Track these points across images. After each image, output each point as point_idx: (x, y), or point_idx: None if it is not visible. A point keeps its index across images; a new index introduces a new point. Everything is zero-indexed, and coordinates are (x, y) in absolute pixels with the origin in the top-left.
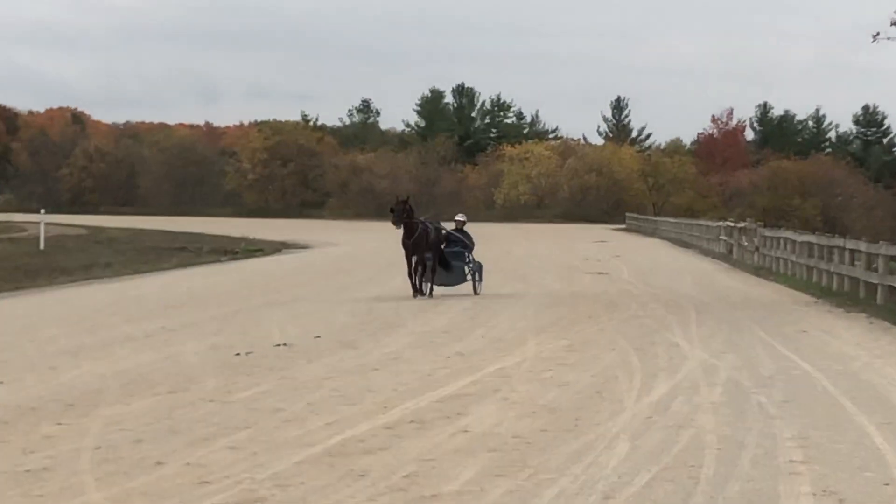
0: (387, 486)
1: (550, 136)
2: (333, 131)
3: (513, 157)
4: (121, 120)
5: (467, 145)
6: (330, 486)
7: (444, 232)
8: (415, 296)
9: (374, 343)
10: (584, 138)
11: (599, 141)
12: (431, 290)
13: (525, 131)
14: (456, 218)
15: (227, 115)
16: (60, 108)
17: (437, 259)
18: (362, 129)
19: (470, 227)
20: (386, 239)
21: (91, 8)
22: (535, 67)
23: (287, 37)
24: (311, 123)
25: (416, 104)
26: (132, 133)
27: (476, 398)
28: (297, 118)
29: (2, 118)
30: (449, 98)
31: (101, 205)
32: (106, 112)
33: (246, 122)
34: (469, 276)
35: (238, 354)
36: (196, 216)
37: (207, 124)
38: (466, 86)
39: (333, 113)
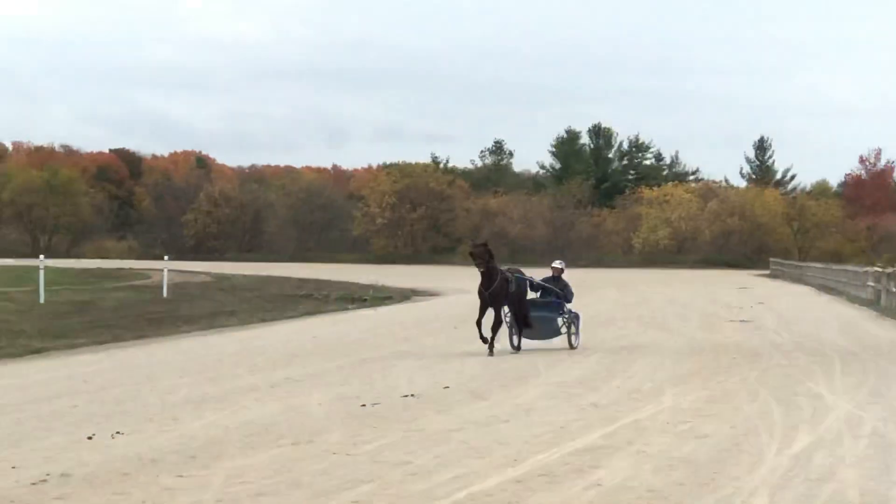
0: None
1: (690, 177)
2: (465, 174)
3: (651, 200)
4: (246, 163)
5: (604, 188)
6: None
7: (532, 281)
8: (486, 345)
9: (506, 394)
10: (726, 180)
11: (742, 183)
12: (520, 343)
13: (664, 173)
14: (553, 265)
15: (355, 157)
16: (185, 152)
17: (521, 313)
18: (495, 172)
19: (606, 274)
20: None
21: (216, 49)
22: (675, 106)
23: (417, 76)
24: (442, 165)
25: (551, 145)
26: (257, 177)
27: (610, 451)
28: (427, 160)
29: (125, 162)
30: (585, 138)
31: (225, 251)
32: (231, 155)
33: (374, 165)
34: (563, 329)
35: (364, 405)
36: (323, 262)
37: (335, 167)
38: (603, 126)
39: (465, 155)
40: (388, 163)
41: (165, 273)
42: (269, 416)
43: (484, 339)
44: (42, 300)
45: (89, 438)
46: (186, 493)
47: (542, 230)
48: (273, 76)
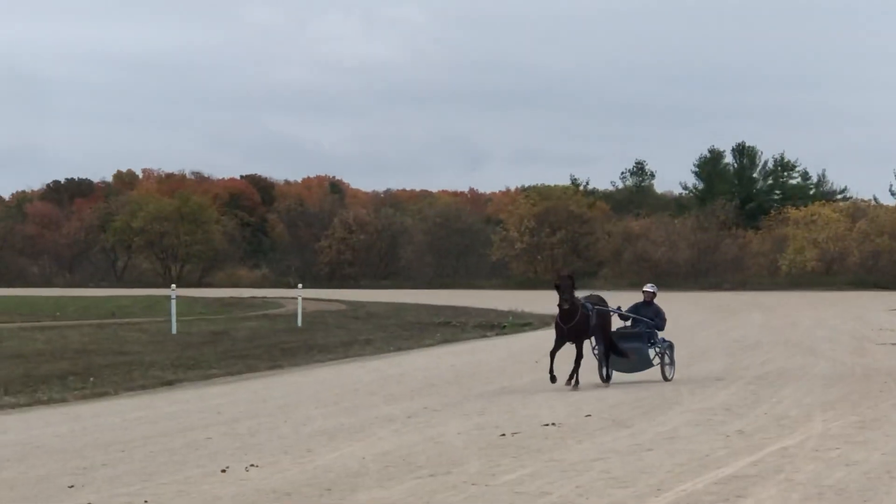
0: None
1: (838, 197)
2: (605, 196)
3: (798, 221)
4: (381, 188)
5: (749, 208)
6: None
7: (617, 311)
8: (552, 380)
9: (649, 421)
10: (875, 199)
11: (892, 201)
12: (609, 375)
13: (811, 192)
14: (644, 289)
15: (493, 180)
16: (318, 177)
17: (608, 343)
18: (636, 193)
19: (751, 297)
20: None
21: (348, 71)
22: (821, 123)
23: (555, 96)
24: (582, 188)
25: (694, 165)
26: (393, 201)
27: (756, 479)
28: (567, 182)
29: (257, 188)
30: (728, 158)
31: (360, 278)
32: (365, 180)
33: (512, 188)
34: (656, 360)
35: (503, 435)
36: (460, 288)
37: (472, 191)
38: (747, 144)
39: (605, 176)
40: (526, 185)
41: (300, 301)
42: (407, 446)
43: (553, 376)
44: (174, 330)
45: (223, 471)
46: None
47: (685, 252)
48: (407, 98)
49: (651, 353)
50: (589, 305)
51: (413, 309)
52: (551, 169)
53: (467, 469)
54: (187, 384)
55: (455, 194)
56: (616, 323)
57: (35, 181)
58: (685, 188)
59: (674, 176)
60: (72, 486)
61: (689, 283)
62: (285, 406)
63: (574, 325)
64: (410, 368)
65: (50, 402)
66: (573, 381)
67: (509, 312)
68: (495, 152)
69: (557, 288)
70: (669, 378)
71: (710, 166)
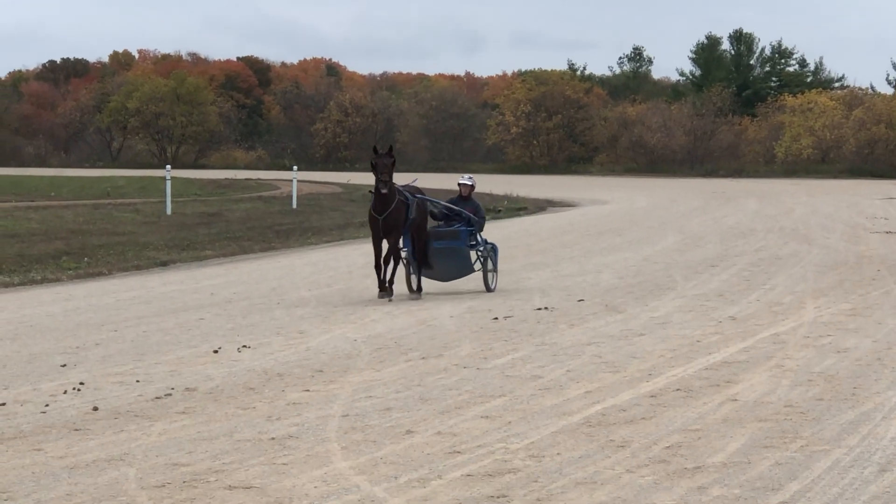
0: (648, 458)
1: (835, 85)
2: (602, 81)
3: (794, 109)
4: (377, 71)
5: (745, 95)
6: (588, 457)
7: (434, 203)
8: (381, 295)
9: (642, 307)
10: (872, 87)
11: (889, 90)
12: (420, 284)
13: (808, 80)
14: (460, 181)
15: (490, 64)
16: (314, 59)
17: (420, 247)
18: (633, 79)
19: (747, 184)
20: (658, 195)
21: None
22: (819, 11)
23: None
24: (579, 73)
25: (691, 52)
26: (389, 84)
27: (747, 365)
28: (564, 68)
29: (253, 70)
30: (726, 45)
31: (356, 161)
32: (361, 63)
33: (509, 73)
34: (478, 266)
35: (496, 318)
36: (456, 172)
37: (468, 75)
38: (745, 31)
39: (602, 62)
40: (523, 70)
41: (295, 183)
42: (399, 329)
43: (383, 286)
44: (169, 212)
45: (215, 352)
46: (313, 408)
47: (681, 139)
48: None
49: (472, 255)
50: (408, 194)
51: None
52: (548, 54)
53: (459, 352)
54: (181, 265)
55: (452, 78)
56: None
57: (31, 60)
58: (682, 75)
59: (671, 63)
60: (64, 365)
61: (685, 169)
62: (278, 288)
63: (389, 214)
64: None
65: (43, 281)
66: (386, 290)
67: (504, 197)
68: (492, 36)
69: (374, 168)
70: (493, 288)
71: (707, 53)
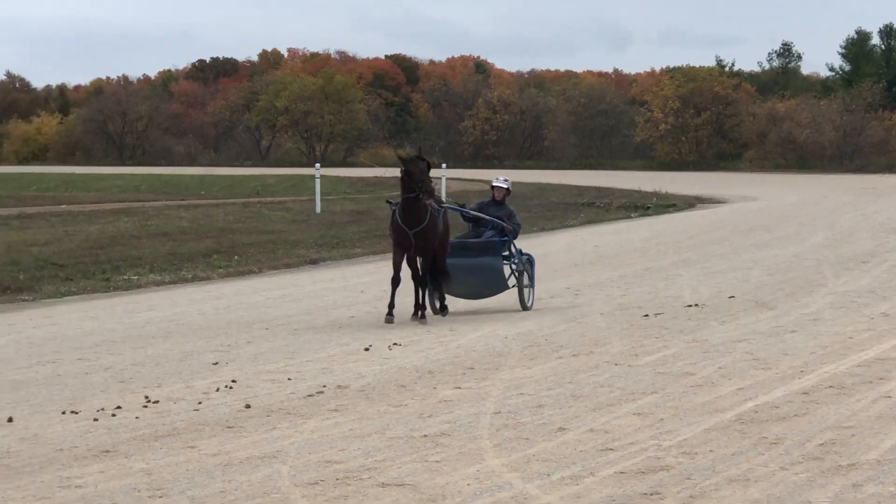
0: (801, 455)
1: None
2: (751, 78)
3: None
4: (525, 68)
5: None
6: (740, 454)
7: (461, 208)
8: (388, 319)
9: (793, 303)
10: None
11: None
12: (443, 304)
13: None
14: (494, 183)
15: (638, 61)
16: (462, 57)
17: (439, 260)
18: (782, 75)
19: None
20: (808, 192)
21: None
22: None
23: None
24: (727, 69)
25: (841, 47)
26: (537, 82)
27: None
28: (712, 64)
29: (402, 68)
30: (876, 39)
31: (504, 158)
32: (509, 60)
33: (657, 69)
34: (512, 280)
35: (647, 315)
36: (604, 169)
37: (616, 71)
38: (895, 26)
39: (751, 58)
40: (671, 67)
41: (444, 181)
42: (549, 326)
43: (391, 311)
44: (318, 210)
45: (366, 350)
46: (464, 405)
47: (830, 135)
48: None
49: (506, 270)
50: (435, 203)
51: (557, 189)
52: (696, 50)
53: (610, 349)
54: (331, 263)
55: (600, 75)
56: None
57: (181, 60)
58: (831, 70)
59: (820, 58)
60: (216, 363)
61: (834, 165)
62: None
63: (423, 228)
64: (553, 249)
65: (194, 279)
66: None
67: (653, 193)
68: (641, 33)
69: (407, 175)
70: (529, 306)
71: (857, 48)
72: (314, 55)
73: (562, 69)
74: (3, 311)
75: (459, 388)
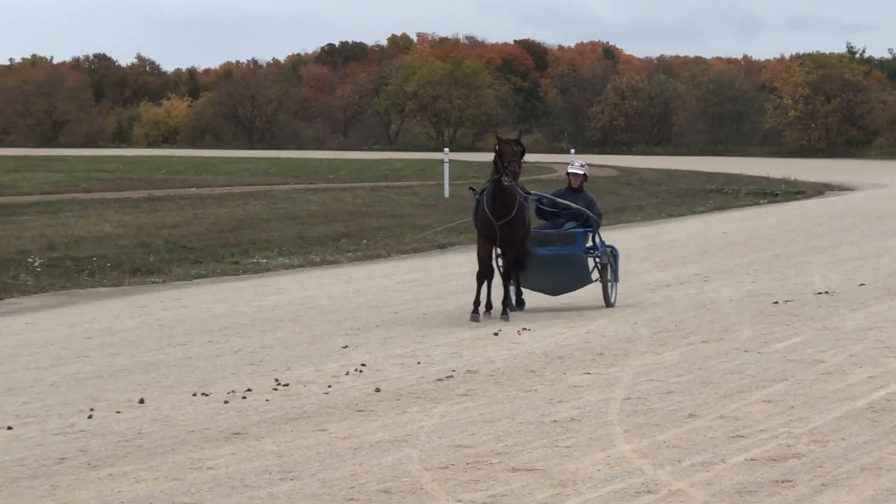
0: None
1: None
2: (882, 64)
3: None
4: (654, 54)
5: None
6: (873, 443)
7: (544, 198)
8: (473, 317)
9: None
10: None
11: None
12: (520, 298)
13: None
14: (570, 170)
15: (767, 47)
16: (591, 43)
17: (519, 251)
18: None
19: None
20: None
21: None
22: None
23: None
24: (858, 56)
25: None
26: (666, 68)
27: None
28: (843, 50)
29: (530, 53)
30: None
31: (632, 144)
32: (638, 46)
33: (787, 56)
34: (596, 275)
35: (776, 303)
36: (733, 156)
37: (746, 58)
38: None
39: (882, 44)
40: (801, 53)
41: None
42: (679, 312)
43: (477, 308)
44: (447, 194)
45: (495, 335)
46: (593, 391)
47: None
48: None
49: (590, 262)
50: (522, 192)
51: (685, 175)
52: (826, 36)
53: (739, 336)
54: (459, 247)
55: (729, 61)
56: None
57: (310, 44)
58: None
59: None
60: (346, 347)
61: None
62: None
63: (511, 219)
64: (682, 235)
65: (323, 263)
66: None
67: (782, 180)
68: (770, 19)
69: (500, 156)
70: (613, 302)
71: None
72: (443, 40)
73: (691, 55)
74: (134, 293)
75: (589, 373)
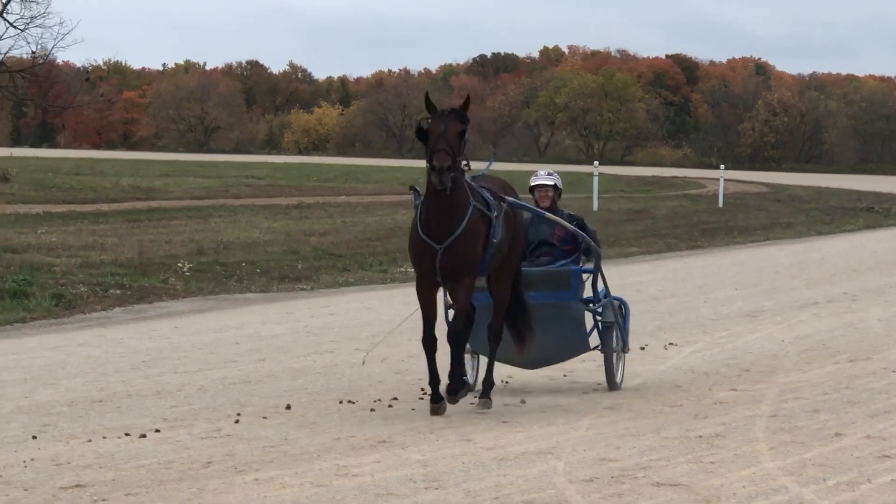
0: None
1: None
2: None
3: None
4: (806, 71)
5: None
6: None
7: (542, 213)
8: (434, 409)
9: None
10: None
11: None
12: (489, 375)
13: None
14: (533, 181)
15: None
16: (743, 58)
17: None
18: None
19: None
20: None
21: None
22: None
23: None
24: None
25: None
26: (818, 85)
27: None
28: None
29: (682, 68)
30: None
31: (782, 161)
32: (791, 62)
33: None
34: (596, 339)
35: None
36: (884, 174)
37: None
38: None
39: None
40: None
41: (721, 182)
42: (826, 331)
43: (437, 385)
44: (596, 208)
45: (642, 349)
46: (740, 407)
47: None
48: None
49: (588, 320)
50: (487, 194)
51: (835, 193)
52: None
53: (888, 356)
54: (607, 261)
55: (882, 79)
56: None
57: (462, 55)
58: None
59: None
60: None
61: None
62: (704, 286)
63: (454, 241)
64: (831, 253)
65: None
66: (459, 387)
67: None
68: None
69: (424, 140)
70: (619, 383)
71: None
72: (594, 53)
73: (843, 72)
74: (282, 299)
75: (735, 389)
